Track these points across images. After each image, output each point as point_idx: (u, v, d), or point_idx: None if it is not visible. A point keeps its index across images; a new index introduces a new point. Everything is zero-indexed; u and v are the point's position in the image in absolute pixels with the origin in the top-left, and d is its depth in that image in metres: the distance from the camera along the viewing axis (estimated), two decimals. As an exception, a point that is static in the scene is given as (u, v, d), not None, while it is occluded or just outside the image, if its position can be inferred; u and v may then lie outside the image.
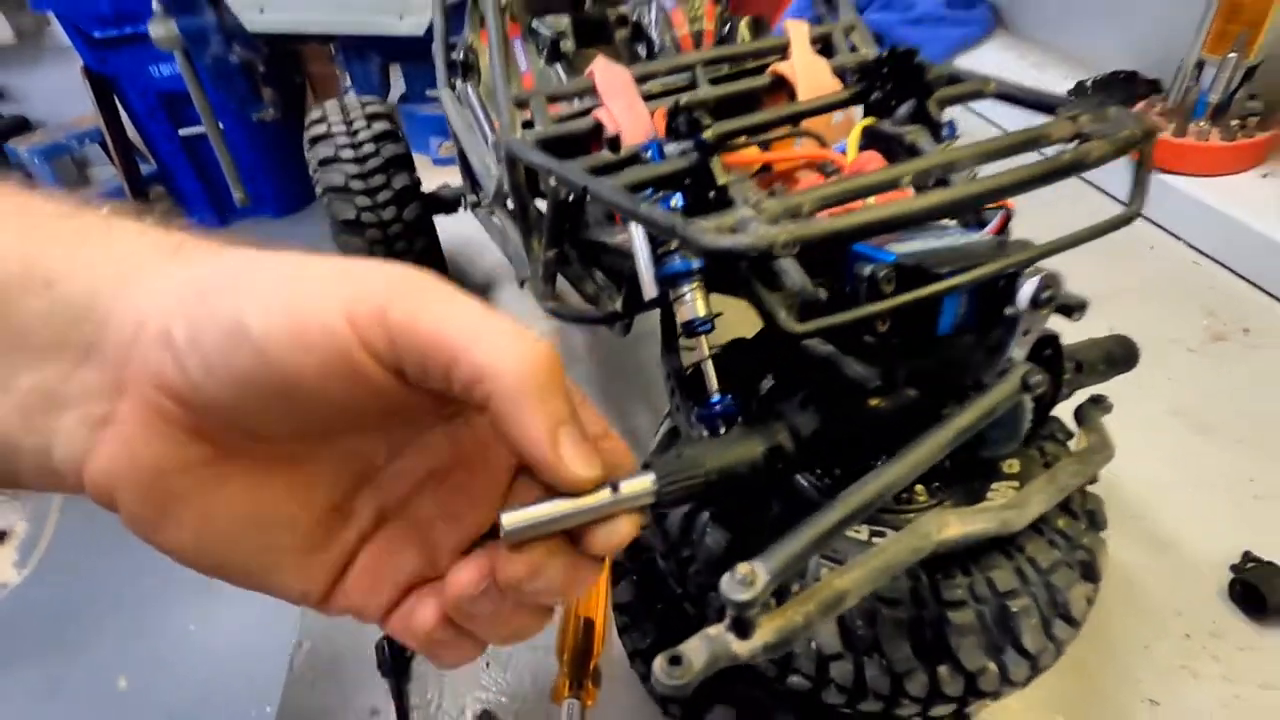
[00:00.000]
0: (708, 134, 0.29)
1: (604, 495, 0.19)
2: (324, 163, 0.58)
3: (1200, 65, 0.66)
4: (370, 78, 1.03)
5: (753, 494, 0.30)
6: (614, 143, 0.32)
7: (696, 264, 0.29)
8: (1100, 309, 0.30)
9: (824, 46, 0.42)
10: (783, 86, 0.40)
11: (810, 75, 0.39)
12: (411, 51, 0.95)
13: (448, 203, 0.65)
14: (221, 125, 2.44)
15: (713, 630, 0.19)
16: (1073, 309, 0.27)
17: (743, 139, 0.34)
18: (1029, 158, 0.27)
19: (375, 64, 1.02)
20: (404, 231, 0.59)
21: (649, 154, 0.31)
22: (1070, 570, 0.27)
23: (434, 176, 0.73)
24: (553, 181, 0.32)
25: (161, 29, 1.29)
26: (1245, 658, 0.38)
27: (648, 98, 0.38)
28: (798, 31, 0.41)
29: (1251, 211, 0.63)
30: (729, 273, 0.29)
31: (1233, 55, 0.63)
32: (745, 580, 0.18)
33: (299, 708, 0.41)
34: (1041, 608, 0.26)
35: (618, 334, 0.42)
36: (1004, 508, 0.25)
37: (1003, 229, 0.28)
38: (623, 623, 0.37)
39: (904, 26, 1.01)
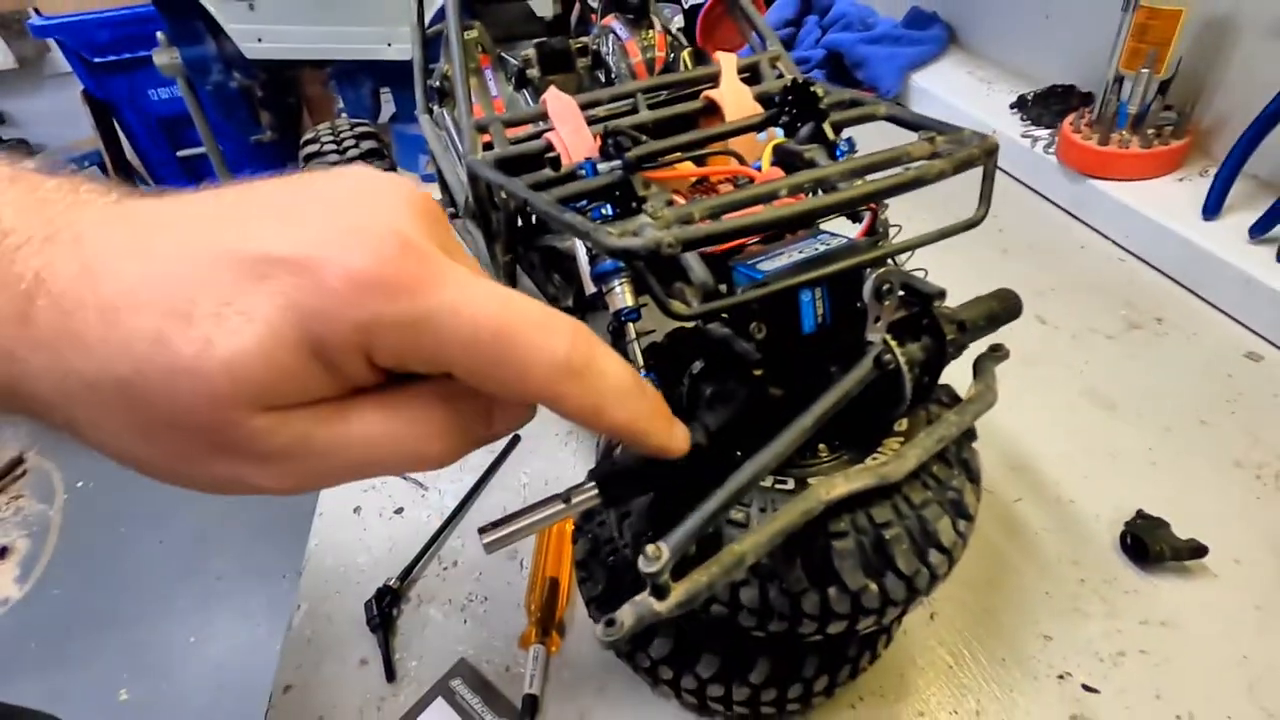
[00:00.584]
0: (631, 154, 0.35)
1: (558, 506, 0.26)
2: (317, 181, 0.63)
3: (1119, 80, 0.72)
4: (362, 100, 1.09)
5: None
6: (555, 161, 0.38)
7: (621, 264, 0.35)
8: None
9: (751, 75, 0.48)
10: (714, 110, 0.46)
11: (736, 100, 0.45)
12: (400, 75, 1.01)
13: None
14: (221, 148, 2.51)
15: (638, 597, 0.25)
16: (931, 297, 0.33)
17: (676, 155, 0.40)
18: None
19: (367, 87, 1.08)
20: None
21: (584, 171, 0.37)
22: (940, 507, 0.33)
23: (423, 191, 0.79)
24: (503, 195, 0.37)
25: (165, 57, 1.36)
26: (1128, 599, 0.44)
27: (594, 121, 0.44)
28: (727, 62, 0.47)
29: (1167, 212, 0.69)
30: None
31: (1145, 70, 0.70)
32: (654, 557, 0.24)
33: (296, 661, 0.46)
34: (914, 536, 0.32)
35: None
36: (883, 464, 0.30)
37: (871, 228, 0.33)
38: (580, 575, 0.42)
39: (863, 45, 1.08)
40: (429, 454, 0.21)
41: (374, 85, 1.09)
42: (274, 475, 0.20)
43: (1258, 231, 0.62)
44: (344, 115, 0.87)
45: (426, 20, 0.59)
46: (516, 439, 0.59)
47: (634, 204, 0.35)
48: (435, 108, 0.58)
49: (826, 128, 0.38)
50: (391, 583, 0.48)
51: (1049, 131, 0.85)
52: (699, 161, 0.43)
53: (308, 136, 0.66)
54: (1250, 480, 0.50)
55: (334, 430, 0.20)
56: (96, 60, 2.15)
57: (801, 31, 1.16)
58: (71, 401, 0.18)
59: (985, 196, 0.34)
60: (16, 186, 0.19)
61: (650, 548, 0.25)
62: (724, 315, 0.33)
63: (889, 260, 0.32)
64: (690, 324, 0.34)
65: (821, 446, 0.36)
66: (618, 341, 0.37)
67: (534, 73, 0.56)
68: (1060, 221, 0.80)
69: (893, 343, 0.32)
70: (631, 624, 0.25)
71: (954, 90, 1.01)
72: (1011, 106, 0.91)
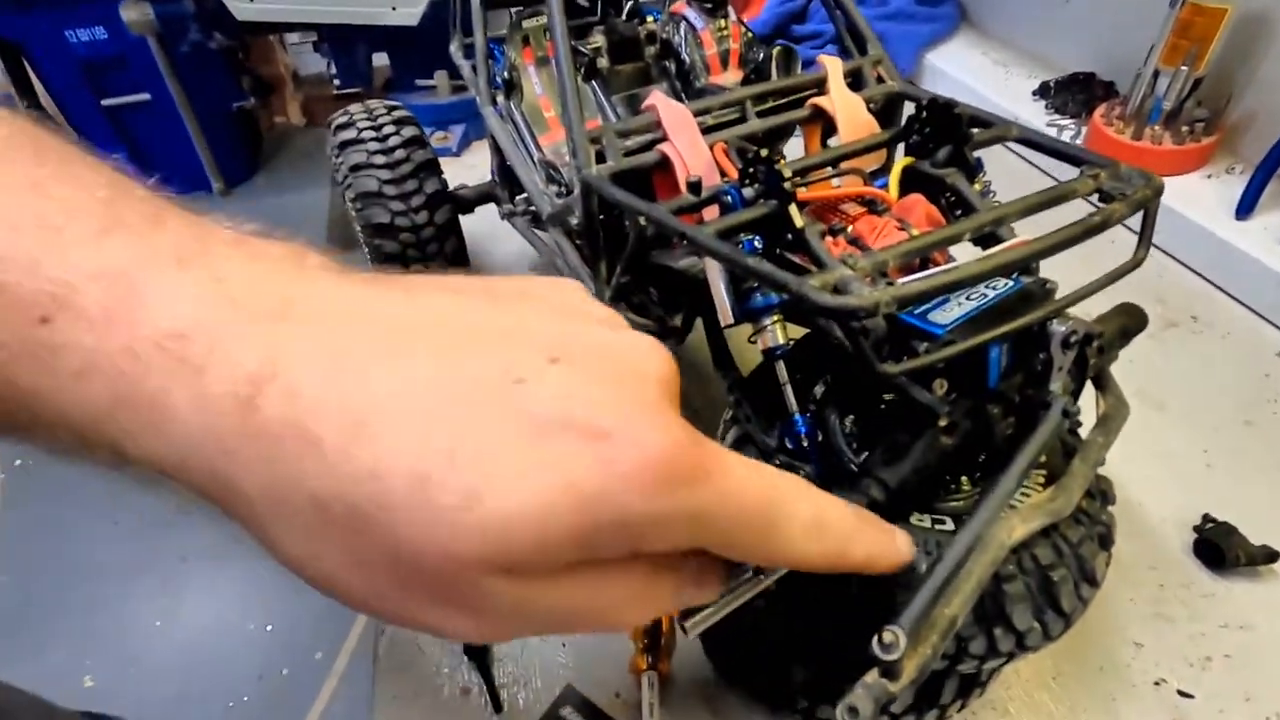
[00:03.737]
0: (788, 183, 0.33)
1: (757, 578, 0.26)
2: (355, 169, 0.59)
3: (1156, 75, 0.73)
4: (356, 67, 1.02)
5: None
6: (695, 186, 0.36)
7: (777, 300, 0.34)
8: (1083, 304, 0.36)
9: (854, 80, 0.46)
10: (820, 118, 0.45)
11: (848, 111, 0.43)
12: (400, 40, 0.94)
13: (469, 203, 0.67)
14: (149, 96, 2.31)
15: (869, 679, 0.24)
16: (1093, 338, 0.33)
17: (798, 177, 0.38)
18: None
19: (361, 53, 1.01)
20: (436, 234, 0.61)
21: (729, 198, 0.35)
22: (1093, 542, 0.33)
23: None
24: (641, 220, 0.35)
25: (135, 12, 1.23)
26: (1207, 603, 0.46)
27: (702, 130, 0.42)
28: (834, 67, 0.45)
29: (1196, 209, 0.71)
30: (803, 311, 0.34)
31: (1184, 68, 0.70)
32: (890, 644, 0.24)
33: (391, 692, 0.44)
34: (1074, 575, 0.32)
35: (670, 346, 0.47)
36: (1053, 499, 0.30)
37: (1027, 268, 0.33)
38: None
39: (877, 21, 1.06)
40: (621, 624, 0.20)
41: (368, 50, 1.02)
42: (477, 628, 0.18)
43: (1292, 234, 0.65)
44: (336, 83, 0.80)
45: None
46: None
47: (788, 235, 0.34)
48: (501, 98, 0.54)
49: (967, 152, 0.37)
50: (483, 607, 0.47)
51: (1074, 121, 0.85)
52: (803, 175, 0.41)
53: (340, 120, 0.61)
54: (1299, 481, 0.53)
55: (550, 596, 0.18)
56: (1, -5, 1.93)
57: (812, 5, 1.13)
58: (280, 507, 0.16)
59: (1147, 237, 0.33)
60: (241, 251, 0.17)
61: (886, 634, 0.25)
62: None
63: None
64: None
65: (964, 479, 0.36)
66: (768, 380, 0.35)
67: (604, 63, 0.53)
68: (1069, 221, 0.81)
69: (1068, 390, 0.31)
70: (872, 711, 0.24)
71: (970, 73, 1.00)
72: (1034, 93, 0.91)
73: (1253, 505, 0.51)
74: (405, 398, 0.16)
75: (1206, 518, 0.50)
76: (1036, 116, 0.88)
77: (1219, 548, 0.47)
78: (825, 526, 0.21)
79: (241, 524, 0.17)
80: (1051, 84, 0.90)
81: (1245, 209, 0.68)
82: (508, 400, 0.16)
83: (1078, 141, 0.82)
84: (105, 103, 2.38)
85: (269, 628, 1.58)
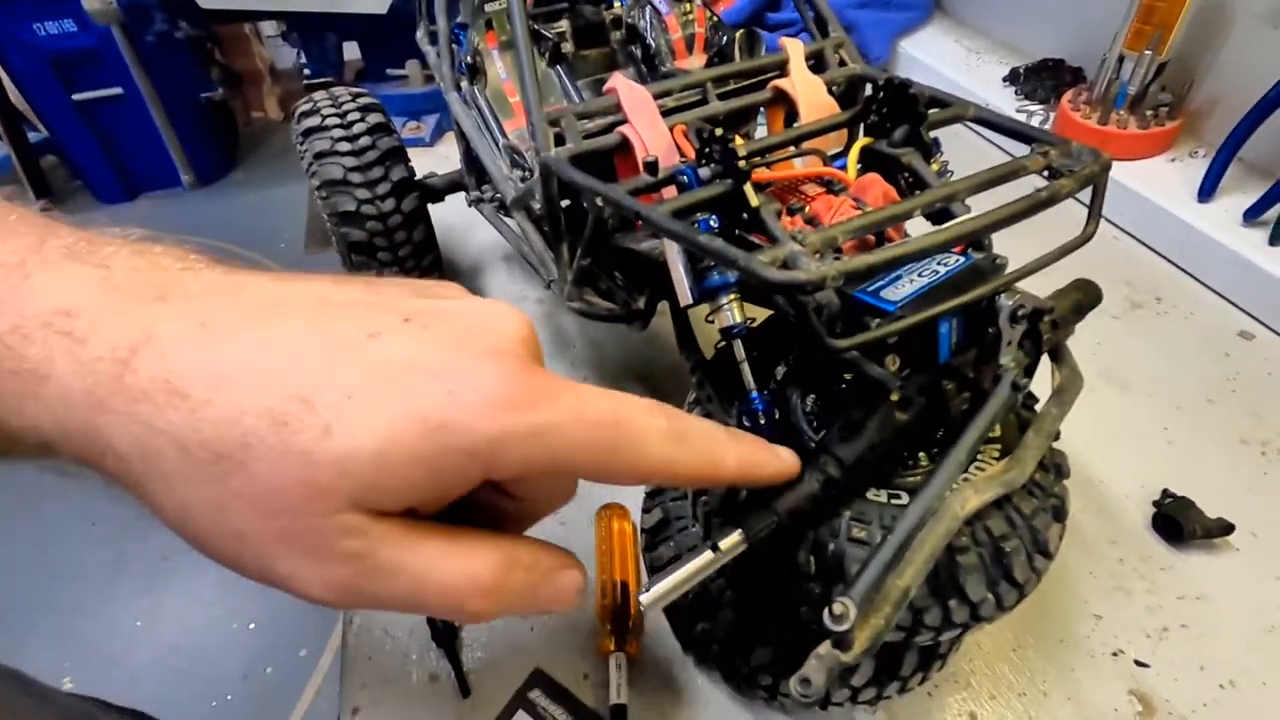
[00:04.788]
0: (743, 162, 0.33)
1: (708, 556, 0.26)
2: (320, 156, 0.58)
3: (1121, 60, 0.74)
4: (327, 56, 1.00)
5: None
6: (652, 166, 0.36)
7: (733, 278, 0.34)
8: (1038, 280, 0.36)
9: (816, 62, 0.46)
10: (782, 101, 0.45)
11: (809, 92, 0.43)
12: (370, 30, 0.93)
13: (438, 192, 0.67)
14: (121, 91, 2.27)
15: (822, 650, 0.25)
16: (1044, 313, 0.33)
17: (777, 156, 0.39)
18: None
19: (331, 43, 1.00)
20: (403, 222, 0.61)
21: (685, 178, 0.35)
22: (1046, 514, 0.34)
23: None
24: (598, 201, 0.35)
25: (98, 1, 1.21)
26: (1165, 576, 0.47)
27: (663, 112, 0.42)
28: (795, 49, 0.45)
29: (1160, 192, 0.72)
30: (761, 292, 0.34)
31: (1148, 52, 0.71)
32: (840, 614, 0.24)
33: (360, 681, 0.44)
34: (1026, 546, 0.33)
35: (635, 330, 0.47)
36: (1007, 470, 0.31)
37: (978, 243, 0.33)
38: (646, 543, 0.42)
39: (852, 9, 1.06)
40: (466, 608, 0.21)
41: (338, 40, 1.00)
42: (324, 580, 0.19)
43: (1252, 215, 0.66)
44: (306, 72, 0.80)
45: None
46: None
47: (744, 214, 0.34)
48: (465, 84, 0.53)
49: (923, 131, 0.38)
50: (451, 593, 0.47)
51: (1043, 107, 0.86)
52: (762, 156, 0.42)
53: (305, 107, 0.60)
54: (1257, 457, 0.54)
55: (397, 552, 0.19)
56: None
57: (787, -9, 1.13)
58: (150, 459, 0.18)
59: (1096, 212, 0.34)
60: (127, 249, 0.19)
61: (837, 605, 0.25)
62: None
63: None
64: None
65: (921, 455, 0.36)
66: (730, 360, 0.36)
67: (569, 47, 0.53)
68: (1063, 204, 0.82)
69: (1018, 362, 0.32)
70: (825, 680, 0.25)
71: (943, 59, 1.01)
72: (1004, 80, 0.92)
73: (1211, 480, 0.52)
74: (269, 354, 0.18)
75: (1166, 493, 0.51)
76: (1007, 102, 0.89)
77: (1177, 522, 0.48)
78: (687, 436, 0.23)
79: (121, 484, 0.19)
80: (1021, 70, 0.91)
81: (1207, 192, 0.69)
82: (362, 351, 0.19)
83: (1046, 126, 0.83)
84: (76, 97, 2.33)
85: (252, 626, 1.57)
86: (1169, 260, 0.72)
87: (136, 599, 1.61)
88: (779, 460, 0.28)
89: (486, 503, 0.23)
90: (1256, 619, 0.45)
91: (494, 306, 0.22)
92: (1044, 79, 0.88)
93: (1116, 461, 0.54)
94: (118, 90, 2.28)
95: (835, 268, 0.26)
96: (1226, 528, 0.48)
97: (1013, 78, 0.91)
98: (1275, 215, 0.64)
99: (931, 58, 1.02)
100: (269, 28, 2.78)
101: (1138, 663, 0.43)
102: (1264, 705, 0.41)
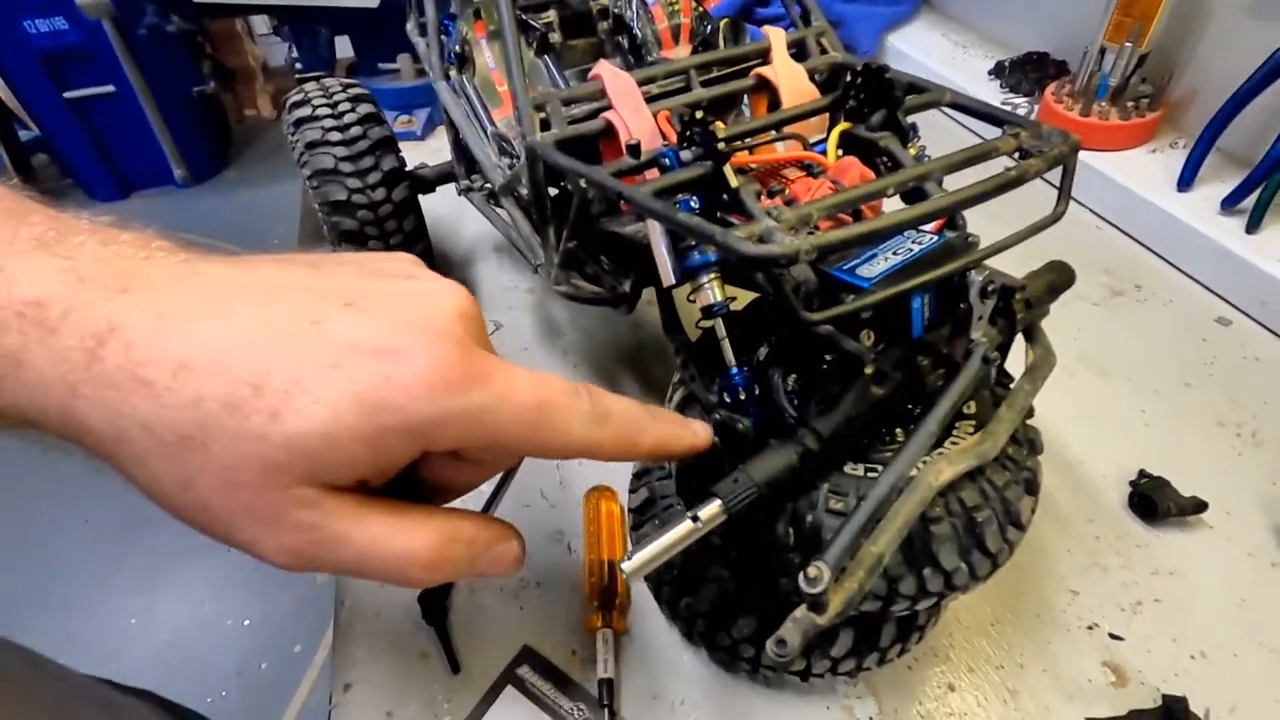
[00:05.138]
0: (722, 145, 0.34)
1: (688, 525, 0.27)
2: (311, 146, 0.59)
3: (1102, 52, 0.75)
4: (319, 50, 1.01)
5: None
6: (634, 149, 0.37)
7: (714, 257, 0.35)
8: (1023, 269, 0.37)
9: (798, 50, 0.47)
10: (765, 88, 0.46)
11: (790, 80, 0.44)
12: (361, 23, 0.94)
13: (429, 182, 0.68)
14: (113, 88, 2.27)
15: (798, 613, 0.26)
16: (1014, 290, 0.34)
17: (758, 140, 0.39)
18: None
19: (323, 36, 1.00)
20: (394, 212, 0.61)
21: (667, 160, 0.36)
22: (1018, 486, 0.35)
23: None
24: (582, 183, 0.36)
25: None
26: (1140, 553, 0.48)
27: (649, 99, 0.43)
28: (777, 38, 0.46)
29: (1140, 183, 0.74)
30: (739, 267, 0.35)
31: (1129, 44, 0.72)
32: (815, 578, 0.25)
33: (352, 658, 0.45)
34: (998, 517, 0.34)
35: (621, 313, 0.48)
36: (980, 442, 0.32)
37: (951, 221, 0.34)
38: (634, 522, 0.43)
39: (839, 4, 1.07)
40: (410, 576, 0.23)
41: (329, 34, 1.01)
42: (279, 547, 0.21)
43: (1229, 204, 0.67)
44: (298, 67, 0.80)
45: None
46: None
47: (724, 195, 0.35)
48: (454, 73, 0.54)
49: (900, 114, 0.38)
50: (442, 573, 0.48)
51: (1027, 99, 0.87)
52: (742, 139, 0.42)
53: (296, 98, 0.61)
54: (1232, 438, 0.56)
55: (346, 525, 0.21)
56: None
57: (776, -14, 1.14)
58: (122, 439, 0.19)
59: (1066, 192, 0.35)
60: (94, 238, 0.21)
61: (811, 569, 0.26)
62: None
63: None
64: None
65: (898, 430, 0.37)
66: (714, 341, 0.37)
67: (556, 37, 0.54)
68: (1040, 189, 0.83)
69: (990, 338, 0.33)
70: (799, 642, 0.25)
71: (930, 54, 1.02)
72: (989, 73, 0.93)
73: (1186, 460, 0.53)
74: (222, 342, 0.20)
75: (1142, 473, 0.52)
76: (992, 95, 0.90)
77: (1152, 500, 0.49)
78: (608, 415, 0.25)
79: (101, 458, 0.20)
80: (1006, 64, 0.92)
81: (1185, 181, 0.71)
82: (305, 338, 0.20)
83: (1031, 118, 0.84)
84: (67, 95, 2.32)
85: (246, 622, 1.57)
86: (1149, 248, 0.73)
87: (131, 596, 1.61)
88: (693, 435, 0.30)
89: (434, 470, 0.25)
90: (1228, 593, 0.46)
91: (435, 285, 0.24)
92: (1028, 72, 0.89)
93: (1095, 443, 0.55)
94: (110, 88, 2.27)
95: (809, 241, 0.27)
96: (1200, 505, 0.49)
97: (998, 71, 0.92)
98: (1251, 203, 0.65)
99: (919, 52, 1.03)
100: (261, 25, 2.78)
101: (1112, 635, 0.44)
102: (1234, 675, 0.42)
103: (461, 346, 0.22)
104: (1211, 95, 0.72)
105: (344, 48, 1.07)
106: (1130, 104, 0.75)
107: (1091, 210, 0.79)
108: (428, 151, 0.94)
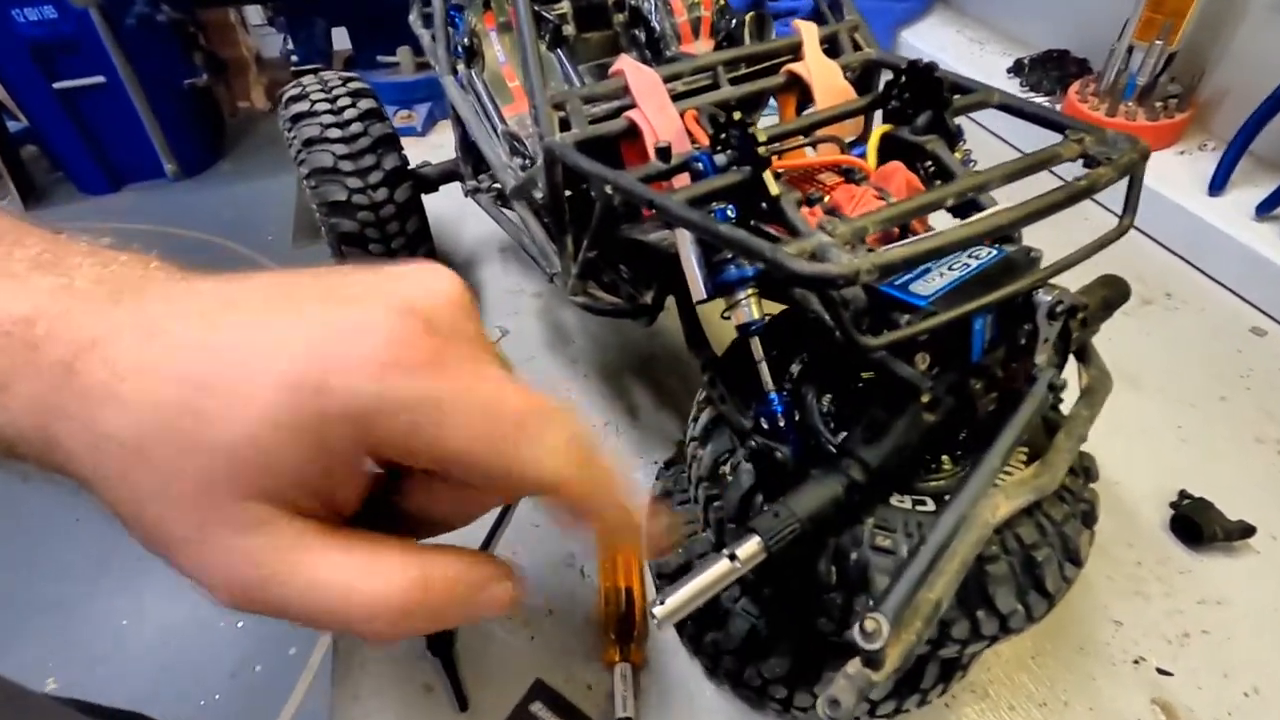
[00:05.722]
0: (762, 149, 0.31)
1: (726, 565, 0.24)
2: (309, 143, 0.56)
3: (1130, 50, 0.72)
4: (315, 41, 0.97)
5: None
6: (664, 152, 0.34)
7: (751, 271, 0.32)
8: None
9: (830, 46, 0.44)
10: (795, 86, 0.43)
11: (824, 77, 0.41)
12: (359, 14, 0.91)
13: (432, 181, 0.65)
14: (103, 79, 2.22)
15: (851, 668, 0.23)
16: (1079, 309, 0.32)
17: (793, 143, 0.37)
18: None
19: (319, 27, 0.97)
20: (396, 213, 0.58)
21: (700, 165, 0.33)
22: (1076, 520, 0.32)
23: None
24: (607, 189, 0.33)
25: None
26: (1184, 579, 0.46)
27: (672, 97, 0.40)
28: (809, 32, 0.43)
29: (1169, 186, 0.71)
30: (778, 282, 0.32)
31: (1158, 42, 0.70)
32: (872, 632, 0.22)
33: (353, 692, 0.42)
34: (1057, 555, 0.31)
35: (642, 325, 0.45)
36: (1037, 475, 0.29)
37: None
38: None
39: (853, -3, 1.04)
40: (379, 626, 0.19)
41: (326, 25, 0.97)
42: (222, 577, 0.19)
43: (1264, 210, 0.65)
44: (294, 59, 0.77)
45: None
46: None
47: (762, 204, 0.32)
48: (462, 67, 0.51)
49: (948, 117, 0.36)
50: (448, 600, 0.45)
51: (1049, 98, 0.85)
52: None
53: (292, 92, 0.58)
54: (1272, 455, 0.53)
55: (299, 552, 0.19)
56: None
57: (787, -21, 1.11)
58: (97, 456, 0.18)
59: (1133, 204, 0.32)
60: (91, 259, 0.20)
61: (869, 621, 0.23)
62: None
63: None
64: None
65: (945, 458, 0.35)
66: (743, 358, 0.34)
67: (570, 30, 0.51)
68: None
69: (1052, 363, 0.30)
70: (855, 701, 0.23)
71: (945, 50, 0.99)
72: (1009, 71, 0.91)
73: (1227, 480, 0.51)
74: (196, 350, 0.18)
75: (1183, 494, 0.49)
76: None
77: (1196, 523, 0.47)
78: (588, 466, 0.21)
79: (83, 486, 0.19)
80: (1025, 61, 0.89)
81: (1218, 185, 0.68)
82: (268, 335, 0.18)
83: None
84: (57, 86, 2.28)
85: (240, 624, 1.55)
86: (1179, 255, 0.71)
87: (122, 597, 1.58)
88: (639, 547, 0.26)
89: (412, 497, 0.23)
90: (1279, 624, 0.44)
91: (423, 270, 0.22)
92: (1049, 70, 0.87)
93: (1130, 461, 0.53)
94: (100, 79, 2.22)
95: (869, 260, 0.24)
96: (1248, 530, 0.47)
97: (1017, 69, 0.90)
98: (1289, 209, 0.63)
99: (933, 48, 1.00)
100: (255, 15, 2.73)
101: (1160, 670, 0.42)
102: (1289, 714, 0.40)
103: (427, 326, 0.19)
104: (1244, 96, 0.70)
105: (341, 39, 1.04)
106: (1159, 104, 0.73)
107: (1116, 214, 0.76)
108: (429, 148, 0.91)
